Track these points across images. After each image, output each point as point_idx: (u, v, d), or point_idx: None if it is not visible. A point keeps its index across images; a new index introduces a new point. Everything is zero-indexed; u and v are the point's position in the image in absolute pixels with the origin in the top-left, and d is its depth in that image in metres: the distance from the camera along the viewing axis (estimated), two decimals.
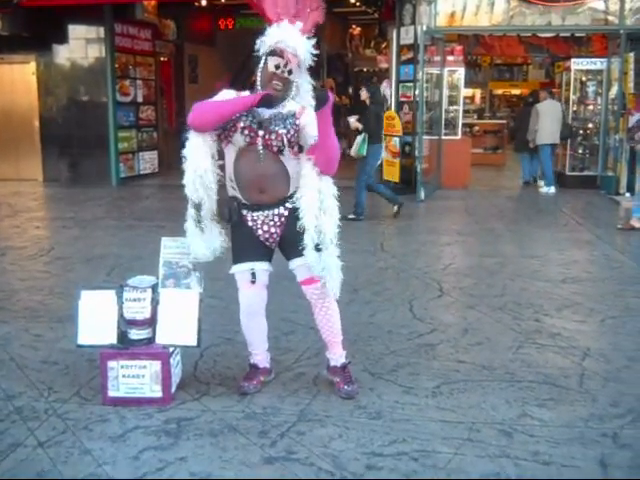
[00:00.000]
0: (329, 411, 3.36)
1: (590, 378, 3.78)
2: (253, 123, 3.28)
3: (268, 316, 3.65)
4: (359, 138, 8.32)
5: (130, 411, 3.37)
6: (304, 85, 3.43)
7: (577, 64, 11.57)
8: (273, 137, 3.27)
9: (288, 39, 3.25)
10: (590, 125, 11.66)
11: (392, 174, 11.15)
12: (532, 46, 15.13)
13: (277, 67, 3.25)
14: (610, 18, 10.82)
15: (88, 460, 2.92)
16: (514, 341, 4.36)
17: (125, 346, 3.47)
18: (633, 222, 7.81)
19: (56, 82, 12.26)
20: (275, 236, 3.42)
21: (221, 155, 3.42)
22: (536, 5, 10.81)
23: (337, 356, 3.62)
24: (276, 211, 3.38)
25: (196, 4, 12.62)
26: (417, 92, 10.61)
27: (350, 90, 21.57)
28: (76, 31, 11.95)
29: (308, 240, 3.33)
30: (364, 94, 8.62)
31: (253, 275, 3.44)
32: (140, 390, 3.44)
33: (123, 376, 3.43)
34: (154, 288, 3.53)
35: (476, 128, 15.46)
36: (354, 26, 22.38)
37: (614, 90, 11.07)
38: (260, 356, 3.67)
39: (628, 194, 10.32)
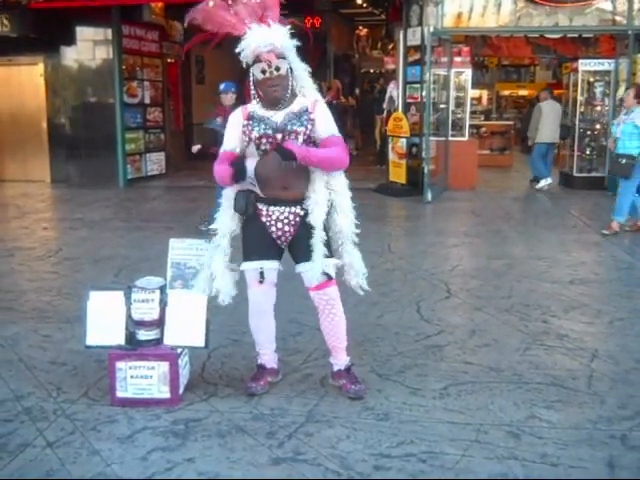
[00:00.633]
0: (337, 412, 3.36)
1: (598, 380, 3.77)
2: (268, 130, 3.29)
3: (276, 317, 3.66)
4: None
5: (138, 412, 3.38)
6: (300, 72, 3.42)
7: (585, 65, 11.53)
8: (292, 137, 3.28)
9: (260, 39, 3.24)
10: (598, 126, 11.61)
11: (399, 175, 11.16)
12: (539, 47, 15.09)
13: (263, 72, 3.26)
14: (618, 18, 10.78)
15: (96, 460, 2.93)
16: (522, 343, 4.35)
17: (133, 347, 3.49)
18: (614, 226, 7.71)
19: (64, 84, 12.30)
20: (288, 235, 3.42)
21: None
22: (543, 6, 10.78)
23: (341, 361, 3.62)
24: (293, 209, 3.38)
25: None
26: (424, 93, 10.59)
27: (357, 91, 21.60)
28: (84, 33, 11.99)
29: (317, 240, 3.34)
30: (232, 98, 8.57)
31: (261, 275, 3.44)
32: (148, 391, 3.45)
33: (131, 377, 3.44)
34: (162, 289, 3.55)
35: (483, 129, 15.43)
36: (361, 27, 22.41)
37: (622, 91, 11.02)
38: (268, 356, 3.68)
39: (636, 195, 10.29)
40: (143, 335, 3.51)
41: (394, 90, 12.66)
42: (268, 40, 3.24)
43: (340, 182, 3.44)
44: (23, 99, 12.57)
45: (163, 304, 3.53)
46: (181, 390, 3.52)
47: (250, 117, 3.35)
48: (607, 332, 4.63)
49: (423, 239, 7.76)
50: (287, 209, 3.38)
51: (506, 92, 17.64)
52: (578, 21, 10.85)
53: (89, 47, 12.05)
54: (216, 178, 3.42)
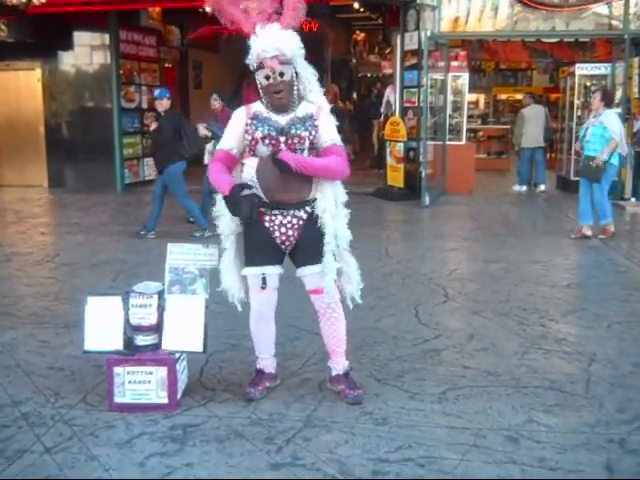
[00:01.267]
0: (335, 417, 3.36)
1: (596, 384, 3.77)
2: (272, 131, 3.28)
3: (274, 321, 3.66)
4: (209, 146, 8.17)
5: (136, 417, 3.37)
6: (306, 76, 3.41)
7: (581, 69, 11.58)
8: (296, 140, 3.27)
9: (267, 44, 3.23)
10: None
11: (396, 180, 11.17)
12: (536, 51, 15.16)
13: (267, 77, 3.25)
14: (614, 23, 10.82)
15: (94, 466, 2.93)
16: (520, 347, 4.35)
17: (131, 352, 3.48)
18: (584, 231, 7.68)
19: (61, 89, 12.30)
20: (292, 239, 3.41)
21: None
22: (540, 10, 10.81)
23: (340, 366, 3.61)
24: (296, 213, 3.37)
25: (200, 10, 12.64)
26: (421, 97, 10.61)
27: (354, 95, 21.62)
28: (81, 38, 12.00)
29: (329, 240, 3.36)
30: (217, 104, 8.59)
31: (264, 281, 3.44)
32: (146, 396, 3.44)
33: (129, 382, 3.43)
34: (160, 294, 3.54)
35: (480, 133, 15.47)
36: (358, 32, 22.46)
37: (619, 95, 11.05)
38: (266, 361, 3.68)
39: (633, 199, 10.33)
40: (141, 340, 3.50)
41: (391, 94, 12.69)
42: (273, 45, 3.22)
43: (339, 189, 3.44)
44: (21, 104, 12.57)
45: (161, 309, 3.53)
46: (179, 395, 3.52)
47: (255, 117, 3.34)
48: (605, 336, 4.63)
49: (421, 243, 7.77)
50: (290, 213, 3.37)
51: (503, 96, 17.67)
52: (575, 25, 10.89)
53: (86, 52, 12.07)
54: (210, 177, 3.38)
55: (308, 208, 3.38)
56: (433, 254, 7.12)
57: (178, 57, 15.07)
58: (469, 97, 13.70)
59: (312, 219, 3.38)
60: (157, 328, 3.51)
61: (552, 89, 16.53)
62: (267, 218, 3.38)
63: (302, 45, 3.34)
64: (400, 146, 11.00)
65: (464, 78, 12.42)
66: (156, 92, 8.04)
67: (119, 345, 3.50)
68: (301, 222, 3.38)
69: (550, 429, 3.24)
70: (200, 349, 3.53)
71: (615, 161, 7.53)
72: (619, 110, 8.09)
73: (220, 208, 3.44)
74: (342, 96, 18.28)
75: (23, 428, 3.27)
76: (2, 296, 5.59)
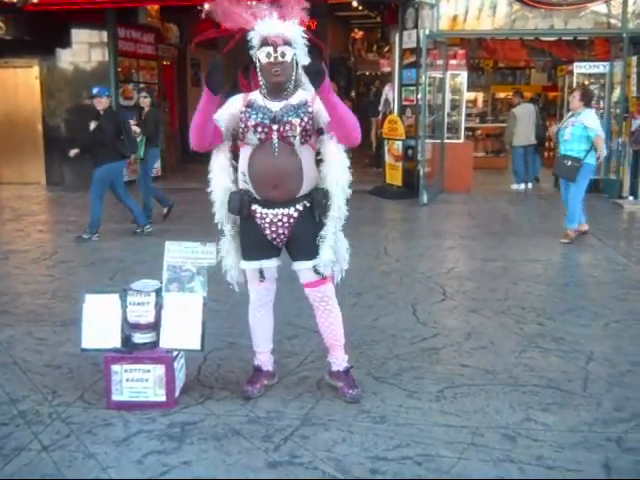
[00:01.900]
0: (333, 415, 3.36)
1: (594, 382, 3.77)
2: (265, 119, 3.26)
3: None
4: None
5: (134, 415, 3.37)
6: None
7: (580, 68, 11.58)
8: (288, 128, 3.24)
9: (270, 27, 3.22)
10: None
11: (395, 178, 11.17)
12: (535, 50, 15.14)
13: (268, 56, 3.23)
14: (613, 21, 10.81)
15: (92, 464, 2.92)
16: (517, 345, 4.35)
17: (129, 350, 3.48)
18: (580, 228, 7.61)
19: (59, 86, 12.28)
20: (283, 237, 3.41)
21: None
22: (538, 9, 10.81)
23: (339, 360, 3.61)
24: (285, 211, 3.36)
25: (199, 8, 12.63)
26: (420, 96, 10.61)
27: (353, 94, 21.61)
28: (79, 35, 11.98)
29: (330, 230, 3.34)
30: (147, 101, 8.66)
31: (261, 274, 3.45)
32: (144, 394, 3.44)
33: (127, 380, 3.43)
34: (158, 292, 3.54)
35: (478, 132, 15.46)
36: (356, 30, 22.44)
37: (617, 94, 11.07)
38: (264, 356, 3.68)
39: (631, 197, 10.33)
40: (139, 338, 3.50)
41: (390, 93, 12.69)
42: (277, 29, 3.22)
43: (338, 171, 3.37)
44: (19, 102, 12.55)
45: (159, 307, 3.52)
46: (177, 393, 3.51)
47: (250, 105, 3.33)
48: (603, 334, 4.63)
49: (419, 241, 7.77)
50: (280, 211, 3.36)
51: (502, 94, 17.64)
52: (573, 24, 10.89)
53: (84, 49, 12.04)
54: (191, 135, 3.30)
55: (299, 205, 3.37)
56: (431, 252, 7.12)
57: (176, 55, 15.04)
58: (467, 95, 13.69)
59: (303, 215, 3.37)
60: (155, 326, 3.51)
61: (550, 87, 16.52)
62: (258, 215, 3.38)
63: (305, 38, 3.33)
64: (398, 144, 11.00)
65: (462, 76, 12.41)
66: (95, 90, 7.88)
67: (117, 343, 3.49)
68: (292, 220, 3.38)
69: (548, 427, 3.24)
70: (198, 347, 3.53)
71: (592, 161, 7.38)
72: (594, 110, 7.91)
73: (215, 197, 3.43)
74: (340, 94, 18.25)
75: (20, 426, 3.27)
76: (0, 294, 5.58)
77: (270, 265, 3.48)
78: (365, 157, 15.78)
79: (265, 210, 3.37)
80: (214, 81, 3.14)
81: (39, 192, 11.84)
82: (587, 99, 7.57)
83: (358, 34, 22.64)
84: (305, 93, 3.37)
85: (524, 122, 11.79)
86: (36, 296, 5.51)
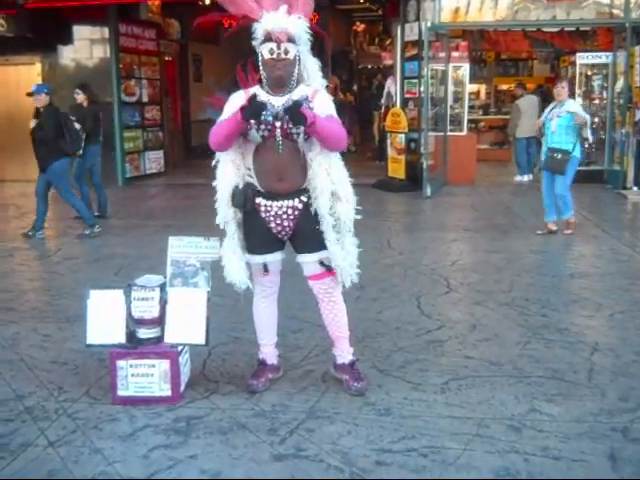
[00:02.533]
0: (338, 408, 3.37)
1: (599, 373, 3.77)
2: (267, 117, 3.25)
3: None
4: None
5: (139, 410, 3.38)
6: (310, 65, 3.41)
7: (582, 58, 11.54)
8: (292, 125, 3.22)
9: (274, 23, 3.21)
10: (596, 119, 11.61)
11: (397, 171, 11.16)
12: (537, 41, 15.07)
13: (271, 52, 3.22)
14: (615, 11, 10.76)
15: (98, 459, 2.93)
16: (522, 336, 4.35)
17: (134, 345, 3.49)
18: (550, 226, 7.45)
19: (61, 83, 12.24)
20: (288, 229, 3.41)
21: None
22: (540, 0, 10.77)
23: (345, 353, 3.62)
24: (290, 203, 3.35)
25: (200, 3, 12.62)
26: (422, 88, 10.59)
27: (355, 87, 21.58)
28: (81, 32, 11.97)
29: (327, 226, 3.33)
30: (80, 97, 8.60)
31: (265, 267, 3.46)
32: (149, 389, 3.45)
33: (132, 375, 3.44)
34: (162, 287, 3.55)
35: (481, 124, 15.43)
36: (358, 23, 22.40)
37: (620, 84, 11.02)
38: (268, 349, 3.69)
39: (635, 188, 10.31)
40: (143, 333, 3.51)
41: (392, 86, 12.66)
42: (281, 24, 3.21)
43: (340, 172, 3.39)
44: (21, 99, 12.46)
45: (163, 302, 3.53)
46: (182, 388, 3.52)
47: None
48: (607, 325, 4.63)
49: (422, 234, 7.76)
50: (285, 203, 3.35)
51: (504, 86, 17.59)
52: (575, 14, 10.84)
53: (86, 46, 12.03)
54: (212, 139, 3.28)
55: (303, 197, 3.36)
56: (435, 245, 7.11)
57: (178, 50, 15.03)
58: (470, 87, 13.67)
59: (308, 207, 3.36)
60: (159, 321, 3.52)
61: (553, 79, 16.45)
62: (262, 209, 3.38)
63: (310, 34, 3.32)
64: (401, 137, 10.98)
65: (465, 69, 12.39)
66: (33, 87, 7.79)
67: (122, 338, 3.50)
68: (297, 212, 3.37)
69: (553, 418, 3.24)
70: (202, 342, 3.53)
71: (578, 153, 7.27)
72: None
73: (218, 196, 3.43)
74: (343, 88, 18.24)
75: (27, 422, 3.28)
76: (4, 291, 5.60)
77: (274, 259, 3.49)
78: (368, 150, 15.77)
79: (269, 202, 3.36)
80: (250, 114, 3.15)
81: None
82: (571, 90, 7.55)
83: (360, 27, 22.60)
84: (307, 88, 3.37)
85: (528, 114, 11.75)
86: (41, 293, 5.52)
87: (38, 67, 12.26)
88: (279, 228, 3.40)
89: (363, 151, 15.99)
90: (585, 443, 3.01)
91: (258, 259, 3.46)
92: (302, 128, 3.22)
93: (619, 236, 7.43)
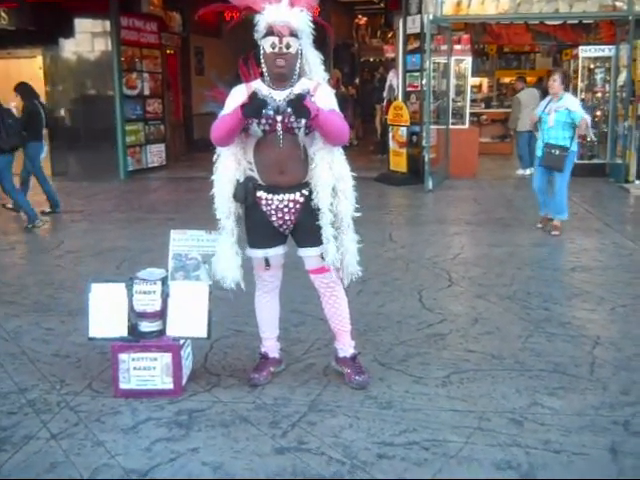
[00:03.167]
0: (339, 401, 3.37)
1: (601, 366, 3.77)
2: (269, 111, 3.23)
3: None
4: None
5: (142, 403, 3.39)
6: (312, 59, 3.39)
7: (585, 51, 11.50)
8: (293, 119, 3.22)
9: (277, 16, 3.19)
10: (598, 113, 11.60)
11: (399, 164, 11.15)
12: (539, 34, 15.03)
13: (273, 46, 3.21)
14: (618, 4, 10.72)
15: (101, 452, 2.94)
16: (524, 330, 4.35)
17: (136, 339, 3.49)
18: (548, 216, 7.34)
19: (63, 76, 12.28)
20: (289, 223, 3.41)
21: None
22: None
23: (346, 346, 3.62)
24: (292, 197, 3.35)
25: None
26: (424, 81, 10.56)
27: (357, 80, 21.54)
28: (82, 25, 11.95)
29: (325, 222, 3.32)
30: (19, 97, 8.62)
31: (267, 262, 3.46)
32: (151, 382, 3.46)
33: (134, 368, 3.45)
34: (164, 280, 3.55)
35: (484, 117, 15.40)
36: (360, 16, 22.35)
37: (623, 77, 10.99)
38: (270, 342, 3.69)
39: (638, 182, 10.29)
40: (145, 327, 3.51)
41: (394, 79, 12.64)
42: (284, 18, 3.19)
43: (342, 167, 3.39)
44: None
45: (165, 295, 3.53)
46: (184, 381, 3.53)
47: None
48: (609, 319, 4.63)
49: (424, 228, 7.76)
50: (286, 196, 3.35)
51: (506, 79, 17.55)
52: (578, 7, 10.80)
53: (87, 39, 12.02)
54: (213, 134, 3.28)
55: (305, 191, 3.36)
56: (437, 238, 7.11)
57: (180, 43, 15.00)
58: (472, 81, 13.65)
59: (309, 201, 3.36)
60: (161, 314, 3.52)
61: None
62: (264, 202, 3.37)
63: (312, 27, 3.31)
64: (403, 130, 10.96)
65: (467, 62, 12.36)
66: None
67: (124, 332, 3.51)
68: (298, 205, 3.37)
69: (554, 412, 3.25)
70: (204, 335, 3.54)
71: (575, 147, 7.14)
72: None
73: (216, 190, 3.42)
74: (344, 81, 18.21)
75: (29, 415, 3.29)
76: (7, 284, 5.61)
77: (276, 253, 3.49)
78: (370, 144, 15.75)
79: (271, 196, 3.36)
80: (250, 112, 3.14)
81: None
82: (566, 83, 7.30)
83: (362, 20, 22.55)
84: (308, 82, 3.35)
85: (529, 107, 11.71)
86: (43, 286, 5.53)
87: (40, 60, 12.25)
88: (280, 222, 3.40)
89: (365, 144, 15.96)
90: (586, 436, 3.01)
91: (260, 253, 3.46)
92: (303, 122, 3.21)
93: (621, 230, 7.42)
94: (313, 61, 3.40)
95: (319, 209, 3.32)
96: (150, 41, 12.86)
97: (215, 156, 3.44)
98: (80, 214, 8.73)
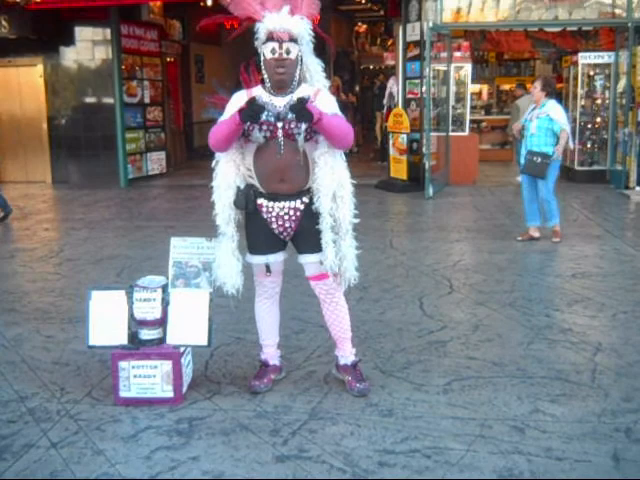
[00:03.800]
0: (340, 409, 3.36)
1: (602, 373, 3.76)
2: (269, 117, 3.24)
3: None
4: None
5: (142, 411, 3.38)
6: (312, 65, 3.40)
7: (584, 58, 11.51)
8: (293, 125, 3.23)
9: (277, 23, 3.20)
10: (598, 119, 11.62)
11: (400, 171, 11.15)
12: (539, 41, 15.07)
13: (273, 52, 3.22)
14: (617, 11, 10.76)
15: (101, 460, 2.93)
16: (525, 337, 4.34)
17: (136, 346, 3.48)
18: (532, 232, 7.22)
19: (63, 84, 12.29)
20: (290, 230, 3.41)
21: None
22: (542, 0, 10.76)
23: (347, 353, 3.61)
24: (292, 204, 3.35)
25: (202, 4, 12.63)
26: (424, 89, 10.58)
27: (357, 88, 21.58)
28: (83, 33, 11.98)
29: (326, 226, 3.32)
30: None
31: (267, 268, 3.46)
32: (151, 390, 3.45)
33: (134, 376, 3.44)
34: (164, 288, 3.54)
35: (484, 124, 15.42)
36: (360, 24, 22.41)
37: (622, 84, 11.01)
38: (270, 349, 3.68)
39: (638, 188, 10.29)
40: (146, 334, 3.50)
41: (394, 86, 12.66)
42: (284, 24, 3.20)
43: (342, 173, 3.39)
44: (23, 100, 12.58)
45: (165, 303, 3.53)
46: (184, 389, 3.52)
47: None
48: (610, 325, 4.62)
49: (425, 235, 7.75)
50: (287, 204, 3.35)
51: (506, 86, 17.58)
52: (577, 14, 10.84)
53: (88, 47, 12.04)
54: (211, 139, 3.29)
55: (305, 198, 3.36)
56: (437, 245, 7.11)
57: (180, 51, 15.05)
58: (472, 88, 13.65)
59: (310, 208, 3.36)
60: (161, 322, 3.51)
61: (555, 79, 16.44)
62: (264, 209, 3.37)
63: (312, 34, 3.32)
64: (403, 138, 10.97)
65: (467, 69, 12.37)
66: None
67: (124, 339, 3.50)
68: (298, 213, 3.37)
69: (556, 419, 3.23)
70: (205, 343, 3.53)
71: (558, 156, 7.02)
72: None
73: (216, 196, 3.43)
74: (344, 88, 18.24)
75: (29, 423, 3.28)
76: (7, 292, 5.60)
77: (276, 259, 3.49)
78: (370, 151, 15.77)
79: (271, 203, 3.36)
80: (247, 116, 3.15)
81: (45, 190, 11.87)
82: (549, 89, 7.07)
83: (362, 28, 22.60)
84: (309, 88, 3.36)
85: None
86: (43, 294, 5.52)
87: (40, 68, 12.28)
88: (281, 229, 3.40)
89: (365, 152, 15.98)
90: (588, 444, 3.00)
91: (260, 259, 3.46)
92: (303, 128, 3.22)
93: (622, 236, 7.42)
94: (313, 68, 3.41)
95: (320, 213, 3.33)
96: (150, 49, 12.89)
97: (214, 162, 3.45)
98: (81, 222, 8.72)
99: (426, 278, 5.80)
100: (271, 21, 3.21)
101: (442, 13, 10.73)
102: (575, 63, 11.68)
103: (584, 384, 3.62)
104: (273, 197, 3.35)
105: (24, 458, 2.96)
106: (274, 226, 3.40)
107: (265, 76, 3.31)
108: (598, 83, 11.57)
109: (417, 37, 10.70)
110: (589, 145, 11.69)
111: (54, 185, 12.38)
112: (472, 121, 13.31)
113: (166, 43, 13.87)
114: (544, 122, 6.92)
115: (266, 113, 3.24)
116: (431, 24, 10.37)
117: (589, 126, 11.63)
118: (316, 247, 3.38)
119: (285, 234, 3.43)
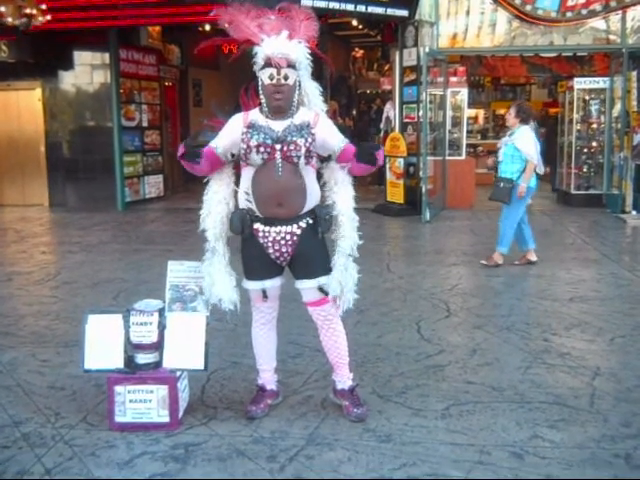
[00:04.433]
0: (338, 434, 3.33)
1: (601, 398, 3.74)
2: (267, 139, 3.25)
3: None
4: None
5: (137, 436, 3.34)
6: (311, 90, 3.42)
7: (580, 83, 11.62)
8: (292, 148, 3.24)
9: (275, 47, 3.22)
10: (594, 143, 11.68)
11: (396, 195, 11.18)
12: (534, 66, 15.20)
13: (271, 77, 3.23)
14: (612, 37, 10.87)
15: None
16: (523, 361, 4.32)
17: (132, 371, 3.46)
18: (529, 256, 7.19)
19: (62, 108, 12.35)
20: (286, 255, 3.40)
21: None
22: (538, 25, 10.88)
23: (344, 378, 3.59)
24: (289, 229, 3.35)
25: (200, 29, 12.73)
26: (421, 113, 10.64)
27: (354, 112, 21.69)
28: (81, 57, 12.06)
29: (344, 251, 3.40)
30: None
31: (264, 293, 3.44)
32: (147, 415, 3.41)
33: (130, 401, 3.41)
34: (161, 312, 3.53)
35: (480, 148, 15.49)
36: (357, 49, 22.56)
37: (617, 108, 11.10)
38: (267, 374, 3.66)
39: (634, 212, 10.32)
40: (142, 358, 3.48)
41: (390, 110, 12.73)
42: (282, 50, 3.21)
43: (346, 197, 3.42)
44: (21, 123, 12.62)
45: (162, 327, 3.51)
46: (180, 414, 3.49)
47: (251, 125, 3.31)
48: (609, 350, 4.60)
49: (422, 258, 7.75)
50: (284, 229, 3.35)
51: (502, 111, 17.71)
52: (572, 40, 10.95)
53: (87, 71, 12.11)
54: (197, 173, 3.48)
55: (302, 223, 3.36)
56: (434, 269, 7.10)
57: (178, 75, 15.13)
58: (468, 112, 13.74)
59: (307, 233, 3.36)
60: (158, 346, 3.49)
61: (551, 103, 16.57)
62: (260, 234, 3.37)
63: (310, 58, 3.34)
64: (400, 162, 11.01)
65: (463, 93, 12.46)
66: None
67: (120, 363, 3.47)
68: (295, 238, 3.36)
69: (555, 445, 3.21)
70: (201, 367, 3.51)
71: (532, 184, 6.95)
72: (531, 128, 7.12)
73: (206, 210, 3.50)
74: (341, 113, 18.33)
75: (23, 449, 3.24)
76: (3, 315, 5.57)
77: (273, 285, 3.47)
78: (367, 175, 15.79)
79: (268, 228, 3.36)
80: (189, 157, 3.34)
81: (42, 213, 11.86)
82: (524, 115, 6.95)
83: (358, 53, 22.75)
84: (307, 113, 3.37)
85: None
86: (39, 317, 5.49)
87: (39, 92, 12.34)
88: (277, 254, 3.39)
89: (363, 176, 15.99)
90: (588, 470, 2.98)
91: (257, 285, 3.45)
92: (303, 151, 3.24)
93: (619, 260, 7.42)
94: (312, 92, 3.43)
95: (343, 236, 3.40)
96: (149, 73, 12.96)
97: (205, 179, 3.50)
98: (78, 245, 8.70)
99: (423, 302, 5.79)
100: (269, 46, 3.23)
101: (438, 39, 10.85)
102: (570, 88, 11.78)
103: (583, 409, 3.60)
104: (270, 222, 3.35)
105: None
106: (270, 251, 3.39)
107: (263, 100, 3.32)
108: (593, 108, 11.65)
109: (414, 62, 10.79)
110: (585, 169, 11.74)
111: (51, 208, 12.38)
112: (468, 145, 13.37)
113: (164, 68, 13.95)
114: (510, 149, 6.94)
115: (263, 135, 3.25)
116: (427, 49, 10.45)
117: (585, 150, 11.70)
118: (313, 272, 3.38)
119: (282, 259, 3.42)
